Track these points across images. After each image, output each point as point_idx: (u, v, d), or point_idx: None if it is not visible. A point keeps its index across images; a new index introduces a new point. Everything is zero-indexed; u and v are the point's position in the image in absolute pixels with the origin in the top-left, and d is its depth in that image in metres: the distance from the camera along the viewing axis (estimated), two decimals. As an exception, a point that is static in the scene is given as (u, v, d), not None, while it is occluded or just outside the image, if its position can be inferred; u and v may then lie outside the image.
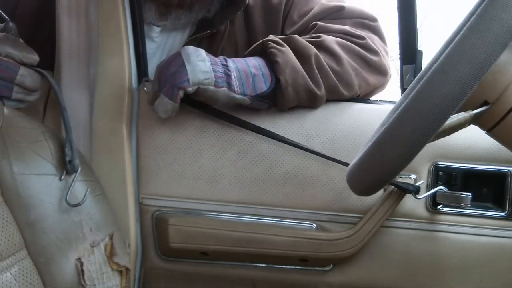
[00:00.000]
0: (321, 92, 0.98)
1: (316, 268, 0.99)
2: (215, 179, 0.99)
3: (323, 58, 0.98)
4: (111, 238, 0.88)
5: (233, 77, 0.92)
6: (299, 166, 0.98)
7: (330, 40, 1.02)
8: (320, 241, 0.95)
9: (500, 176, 0.94)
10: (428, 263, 0.96)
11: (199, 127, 1.00)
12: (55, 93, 0.88)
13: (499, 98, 0.57)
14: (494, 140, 0.63)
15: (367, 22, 1.10)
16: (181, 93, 0.90)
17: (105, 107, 0.99)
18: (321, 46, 1.00)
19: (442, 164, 0.96)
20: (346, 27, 1.07)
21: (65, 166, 0.82)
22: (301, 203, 0.98)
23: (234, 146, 0.99)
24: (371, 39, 1.07)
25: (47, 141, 0.83)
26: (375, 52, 1.05)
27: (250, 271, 1.01)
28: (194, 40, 1.15)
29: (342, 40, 1.04)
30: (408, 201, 0.96)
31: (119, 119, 0.99)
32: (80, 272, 0.81)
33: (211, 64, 0.91)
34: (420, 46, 1.00)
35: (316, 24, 1.09)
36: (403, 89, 1.02)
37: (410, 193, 0.92)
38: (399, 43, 1.00)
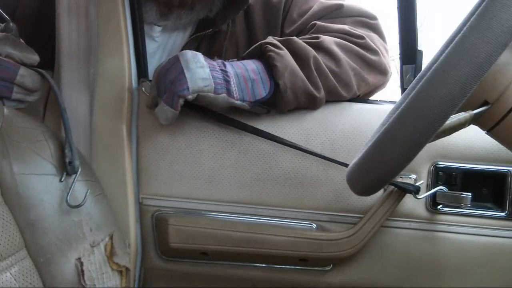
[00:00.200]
0: (321, 94, 0.98)
1: (316, 268, 0.99)
2: (215, 179, 0.99)
3: (321, 59, 0.98)
4: (111, 238, 0.88)
5: (232, 83, 0.92)
6: (299, 166, 0.98)
7: (329, 41, 1.01)
8: (320, 241, 0.95)
9: (500, 176, 0.94)
10: (428, 263, 0.96)
11: (199, 127, 1.00)
12: (55, 94, 0.88)
13: (499, 98, 0.57)
14: (494, 140, 0.63)
15: (367, 20, 1.10)
16: (181, 101, 0.90)
17: (105, 107, 0.99)
18: (320, 47, 1.00)
19: (442, 164, 0.96)
20: (346, 27, 1.06)
21: (65, 167, 0.82)
22: (301, 203, 0.98)
23: (234, 146, 0.99)
24: (371, 38, 1.06)
25: (47, 141, 0.83)
26: (374, 52, 1.05)
27: (250, 271, 1.01)
28: (195, 40, 1.15)
29: (341, 40, 1.03)
30: (408, 201, 0.96)
31: (119, 119, 0.99)
32: (80, 272, 0.81)
33: (210, 70, 0.91)
34: (420, 46, 1.00)
35: (315, 24, 1.09)
36: (403, 89, 1.02)
37: (410, 193, 0.92)
38: (399, 43, 1.00)
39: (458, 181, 0.95)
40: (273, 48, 0.96)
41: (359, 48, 1.04)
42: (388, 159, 0.55)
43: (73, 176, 0.83)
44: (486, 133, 0.62)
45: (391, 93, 1.21)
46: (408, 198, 0.95)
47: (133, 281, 1.00)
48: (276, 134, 0.98)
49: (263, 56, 0.97)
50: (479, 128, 0.62)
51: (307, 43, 0.99)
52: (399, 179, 0.94)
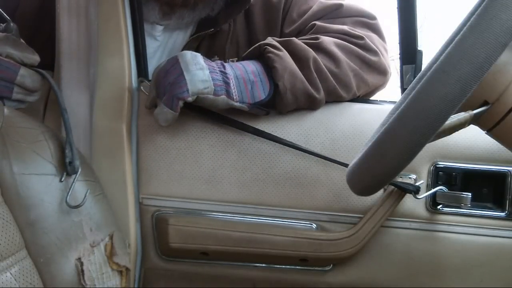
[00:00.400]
0: (320, 95, 0.98)
1: (316, 268, 0.99)
2: (215, 179, 0.99)
3: (321, 60, 0.98)
4: (111, 238, 0.88)
5: (231, 85, 0.92)
6: (299, 166, 0.98)
7: (328, 41, 1.01)
8: (320, 241, 0.95)
9: (500, 176, 0.94)
10: (428, 263, 0.96)
11: (199, 127, 1.00)
12: (56, 94, 0.88)
13: (499, 98, 0.57)
14: (494, 140, 0.63)
15: (366, 21, 1.10)
16: (181, 103, 0.90)
17: (105, 107, 0.99)
18: (319, 48, 1.00)
19: (442, 164, 0.96)
20: (345, 27, 1.06)
21: (65, 168, 0.82)
22: (301, 203, 0.98)
23: (234, 146, 0.99)
24: (370, 38, 1.06)
25: (47, 141, 0.83)
26: (374, 52, 1.05)
27: (250, 271, 1.01)
28: (196, 39, 1.15)
29: (341, 41, 1.03)
30: (408, 201, 0.96)
31: (119, 119, 0.99)
32: (80, 272, 0.81)
33: (209, 72, 0.91)
34: (420, 46, 1.00)
35: (315, 24, 1.09)
36: (403, 89, 1.02)
37: (410, 193, 0.92)
38: (399, 43, 1.00)
39: (458, 181, 0.95)
40: (272, 49, 0.95)
41: (358, 49, 1.04)
42: (388, 159, 0.55)
43: (73, 176, 0.83)
44: (486, 133, 0.62)
45: (391, 93, 1.21)
46: (408, 198, 0.95)
47: (133, 281, 1.00)
48: (276, 134, 0.98)
49: (262, 57, 0.97)
50: (479, 128, 0.62)
51: (307, 44, 0.99)
52: (399, 179, 0.94)
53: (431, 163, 0.96)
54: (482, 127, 0.61)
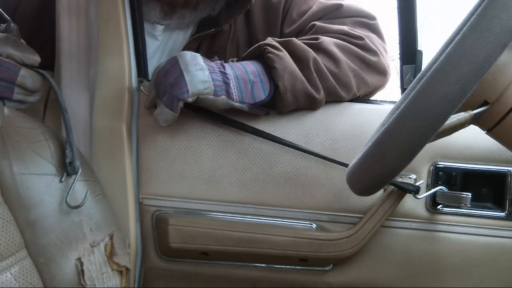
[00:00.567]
0: (320, 95, 0.98)
1: (316, 268, 0.99)
2: (215, 179, 0.99)
3: (321, 60, 0.98)
4: (111, 238, 0.88)
5: (231, 85, 0.92)
6: (299, 166, 0.98)
7: (328, 41, 1.01)
8: (320, 241, 0.95)
9: (500, 176, 0.94)
10: (428, 263, 0.96)
11: (199, 127, 1.00)
12: (56, 95, 0.88)
13: (499, 98, 0.57)
14: (494, 140, 0.63)
15: (366, 21, 1.10)
16: (181, 104, 0.90)
17: (105, 107, 0.99)
18: (319, 48, 1.00)
19: (442, 164, 0.96)
20: (345, 28, 1.06)
21: (66, 168, 0.82)
22: (301, 203, 0.98)
23: (234, 146, 0.99)
24: (370, 38, 1.06)
25: (47, 141, 0.83)
26: (374, 53, 1.05)
27: (250, 271, 1.01)
28: (196, 39, 1.15)
29: (341, 41, 1.03)
30: (408, 201, 0.96)
31: (119, 119, 0.99)
32: (80, 272, 0.81)
33: (209, 72, 0.91)
34: (420, 46, 1.00)
35: (315, 24, 1.09)
36: (403, 89, 1.02)
37: (410, 193, 0.92)
38: (399, 43, 1.00)
39: (458, 181, 0.95)
40: (272, 50, 0.95)
41: (358, 49, 1.04)
42: (388, 159, 0.55)
43: (73, 176, 0.83)
44: (486, 133, 0.62)
45: (391, 93, 1.21)
46: (408, 198, 0.95)
47: (133, 281, 1.00)
48: (276, 135, 0.98)
49: (262, 57, 0.97)
50: (479, 128, 0.62)
51: (307, 44, 0.99)
52: (399, 179, 0.94)
53: (431, 163, 0.96)
54: (482, 127, 0.61)
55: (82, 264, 0.81)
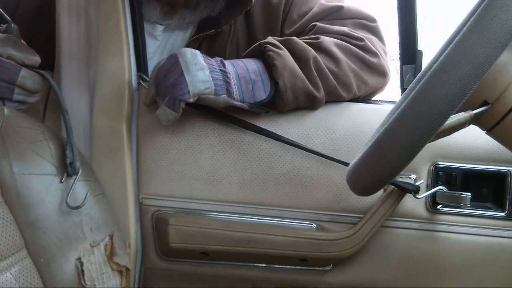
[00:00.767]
0: (320, 94, 0.97)
1: (316, 268, 0.99)
2: (215, 179, 0.99)
3: (321, 59, 0.98)
4: (111, 238, 0.88)
5: (232, 84, 0.92)
6: (299, 166, 0.98)
7: (328, 41, 1.01)
8: (320, 241, 0.95)
9: (500, 176, 0.94)
10: (428, 263, 0.96)
11: (199, 127, 1.00)
12: (56, 95, 0.88)
13: (499, 98, 0.57)
14: (494, 140, 0.63)
15: (366, 23, 1.10)
16: (182, 104, 0.90)
17: (105, 107, 0.99)
18: (320, 48, 1.00)
19: (442, 164, 0.96)
20: (345, 29, 1.06)
21: (66, 168, 0.82)
22: (301, 203, 0.98)
23: (234, 146, 0.99)
24: (370, 40, 1.06)
25: (47, 141, 0.83)
26: (374, 54, 1.05)
27: (250, 271, 1.01)
28: (197, 40, 1.14)
29: (341, 41, 1.03)
30: (408, 201, 0.96)
31: (119, 119, 0.99)
32: (80, 272, 0.81)
33: (210, 71, 0.91)
34: (420, 46, 1.00)
35: (315, 25, 1.09)
36: (403, 89, 1.02)
37: (410, 192, 0.92)
38: (399, 43, 1.00)
39: (458, 181, 0.95)
40: (272, 48, 0.96)
41: (358, 50, 1.04)
42: (388, 159, 0.55)
43: (74, 177, 0.83)
44: (486, 133, 0.62)
45: (391, 93, 1.21)
46: (408, 198, 0.95)
47: (133, 281, 1.00)
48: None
49: (262, 55, 0.97)
50: (479, 128, 0.62)
51: (307, 43, 0.99)
52: (399, 179, 0.94)
53: (431, 163, 0.96)
54: (482, 127, 0.61)
55: (82, 264, 0.81)
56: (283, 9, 1.15)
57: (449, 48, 0.51)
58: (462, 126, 0.58)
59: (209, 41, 1.16)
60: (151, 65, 1.07)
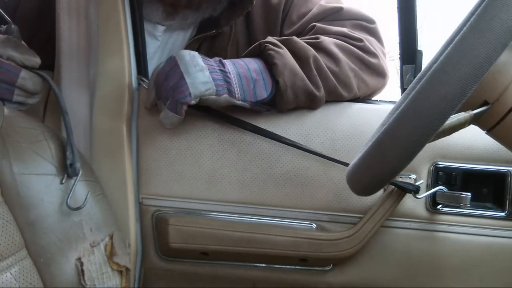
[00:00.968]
0: (320, 93, 0.97)
1: (316, 268, 0.99)
2: (215, 179, 0.99)
3: (321, 59, 0.98)
4: (111, 238, 0.88)
5: (233, 83, 0.92)
6: (299, 166, 0.98)
7: (328, 41, 1.02)
8: (320, 241, 0.95)
9: (500, 176, 0.94)
10: (428, 263, 0.96)
11: (199, 127, 1.00)
12: (56, 97, 0.88)
13: (499, 98, 0.57)
14: (494, 140, 0.63)
15: (365, 24, 1.10)
16: (185, 107, 0.90)
17: (105, 107, 0.99)
18: (320, 48, 1.00)
19: (442, 164, 0.96)
20: (344, 29, 1.06)
21: (66, 170, 0.82)
22: (301, 203, 0.98)
23: (234, 146, 0.99)
24: (369, 41, 1.07)
25: (47, 141, 0.83)
26: (373, 54, 1.05)
27: (250, 271, 1.01)
28: (197, 41, 1.14)
29: (341, 42, 1.03)
30: (408, 201, 0.96)
31: (119, 119, 0.99)
32: (80, 272, 0.81)
33: (210, 72, 0.90)
34: (420, 46, 1.00)
35: (315, 25, 1.09)
36: (403, 89, 1.02)
37: (410, 192, 0.92)
38: (399, 43, 1.00)
39: (458, 181, 0.95)
40: (272, 47, 0.96)
41: (358, 50, 1.04)
42: (388, 159, 0.55)
43: (74, 178, 0.83)
44: (486, 133, 0.62)
45: (391, 93, 1.21)
46: (408, 198, 0.95)
47: (133, 281, 1.00)
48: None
49: (262, 55, 0.97)
50: (479, 128, 0.62)
51: (307, 43, 0.99)
52: (399, 179, 0.94)
53: (431, 163, 0.96)
54: (482, 127, 0.61)
55: (82, 264, 0.81)
56: (283, 9, 1.15)
57: (449, 48, 0.51)
58: (462, 126, 0.58)
59: (209, 42, 1.16)
60: (151, 65, 1.07)
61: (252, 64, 0.96)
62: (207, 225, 0.98)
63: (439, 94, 0.50)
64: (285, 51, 0.96)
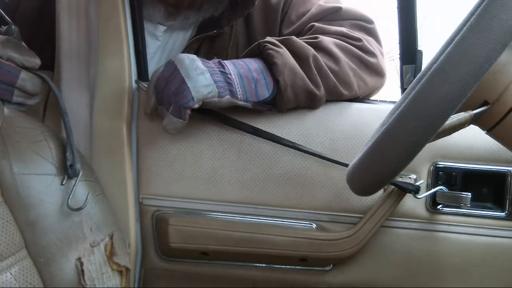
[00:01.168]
0: (320, 92, 0.97)
1: (316, 268, 0.99)
2: (215, 179, 0.99)
3: (321, 58, 0.98)
4: (111, 238, 0.88)
5: (234, 84, 0.92)
6: (299, 166, 0.98)
7: (328, 41, 1.02)
8: (320, 241, 0.95)
9: (500, 176, 0.94)
10: (428, 263, 0.96)
11: (199, 127, 1.00)
12: (56, 98, 0.88)
13: (499, 98, 0.57)
14: (494, 140, 0.63)
15: (364, 24, 1.11)
16: (188, 111, 0.89)
17: (105, 107, 0.99)
18: (319, 47, 1.00)
19: (442, 164, 0.96)
20: (343, 29, 1.07)
21: (66, 170, 0.82)
22: (301, 203, 0.98)
23: (234, 146, 0.99)
24: (368, 41, 1.07)
25: (47, 141, 0.83)
26: (372, 54, 1.05)
27: (250, 271, 1.01)
28: (197, 41, 1.14)
29: (340, 41, 1.04)
30: (408, 201, 0.96)
31: (119, 119, 0.99)
32: (80, 272, 0.81)
33: (210, 74, 0.90)
34: (420, 46, 1.00)
35: (313, 25, 1.09)
36: (403, 89, 1.02)
37: (410, 192, 0.92)
38: (399, 43, 1.00)
39: (458, 181, 0.95)
40: (272, 46, 0.96)
41: (357, 50, 1.04)
42: (388, 159, 0.55)
43: (74, 179, 0.82)
44: (486, 133, 0.62)
45: (391, 93, 1.21)
46: (408, 198, 0.95)
47: (133, 281, 1.00)
48: (276, 134, 0.97)
49: (262, 55, 0.97)
50: (479, 128, 0.62)
51: (306, 42, 0.99)
52: (399, 179, 0.94)
53: (431, 163, 0.96)
54: (482, 127, 0.61)
55: (82, 264, 0.81)
56: (282, 9, 1.15)
57: (449, 48, 0.51)
58: (462, 126, 0.58)
59: (209, 42, 1.16)
60: (151, 65, 1.07)
61: (253, 64, 0.96)
62: (207, 225, 0.98)
63: (439, 94, 0.50)
64: (284, 51, 0.96)
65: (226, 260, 1.00)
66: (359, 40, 1.05)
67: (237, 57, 1.05)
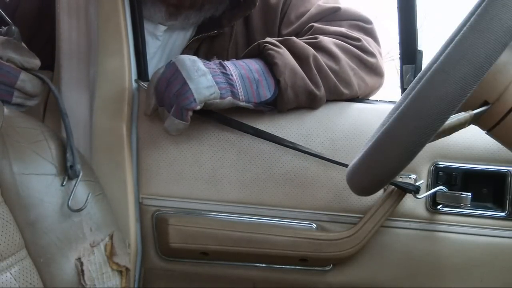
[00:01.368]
0: (321, 92, 0.97)
1: (316, 268, 0.99)
2: (215, 179, 0.99)
3: (321, 58, 0.98)
4: (111, 238, 0.88)
5: (236, 85, 0.92)
6: (299, 166, 0.98)
7: (327, 41, 1.02)
8: (320, 241, 0.95)
9: (500, 176, 0.94)
10: (428, 263, 0.96)
11: (199, 127, 1.00)
12: (56, 99, 0.88)
13: (499, 98, 0.57)
14: (494, 140, 0.63)
15: (363, 25, 1.11)
16: (190, 113, 0.89)
17: (105, 107, 0.99)
18: (319, 47, 1.00)
19: (442, 164, 0.96)
20: (342, 29, 1.07)
21: (67, 171, 0.82)
22: (301, 203, 0.98)
23: (234, 146, 0.99)
24: (366, 41, 1.07)
25: (47, 141, 0.83)
26: (371, 54, 1.06)
27: (250, 271, 1.01)
28: (197, 41, 1.14)
29: (339, 41, 1.04)
30: (408, 201, 0.96)
31: (119, 119, 0.99)
32: (80, 272, 0.81)
33: (212, 76, 0.90)
34: (420, 46, 1.00)
35: (313, 25, 1.09)
36: (403, 89, 1.02)
37: (410, 192, 0.92)
38: (399, 43, 1.00)
39: (458, 181, 0.95)
40: (272, 47, 0.96)
41: (356, 50, 1.04)
42: (388, 159, 0.55)
43: (75, 180, 0.82)
44: (486, 133, 0.62)
45: (391, 93, 1.21)
46: (408, 198, 0.95)
47: (133, 281, 1.00)
48: (276, 134, 0.98)
49: (262, 55, 0.97)
50: (479, 128, 0.62)
51: (306, 42, 0.99)
52: (399, 179, 0.94)
53: (431, 163, 0.96)
54: (482, 127, 0.61)
55: (82, 264, 0.81)
56: (281, 9, 1.15)
57: (449, 48, 0.51)
58: (462, 126, 0.58)
59: (209, 42, 1.16)
60: (151, 65, 1.07)
61: (253, 65, 0.96)
62: (207, 225, 0.98)
63: (439, 94, 0.50)
64: (284, 51, 0.96)
65: (226, 260, 1.00)
66: (358, 40, 1.05)
67: (237, 57, 1.05)
